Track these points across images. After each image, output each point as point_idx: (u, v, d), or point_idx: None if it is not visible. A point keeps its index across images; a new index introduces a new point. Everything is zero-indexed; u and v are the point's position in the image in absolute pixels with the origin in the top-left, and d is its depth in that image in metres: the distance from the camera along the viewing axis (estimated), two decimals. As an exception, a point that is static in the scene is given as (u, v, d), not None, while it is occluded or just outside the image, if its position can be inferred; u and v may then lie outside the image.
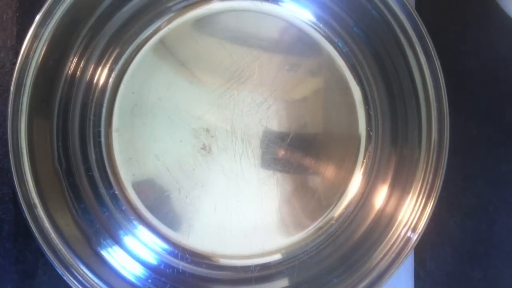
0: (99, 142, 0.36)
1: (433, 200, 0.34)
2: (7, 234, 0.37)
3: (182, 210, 0.36)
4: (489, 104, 0.40)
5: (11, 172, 0.32)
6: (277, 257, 0.37)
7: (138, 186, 0.36)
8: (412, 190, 0.35)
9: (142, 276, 0.36)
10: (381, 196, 0.37)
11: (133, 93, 0.36)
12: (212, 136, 0.36)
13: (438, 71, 0.33)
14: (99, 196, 0.36)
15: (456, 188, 0.39)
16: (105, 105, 0.36)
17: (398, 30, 0.34)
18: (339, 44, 0.37)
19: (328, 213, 0.37)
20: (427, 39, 0.33)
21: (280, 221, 0.37)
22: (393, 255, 0.34)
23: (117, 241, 0.36)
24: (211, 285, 0.37)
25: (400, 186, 0.36)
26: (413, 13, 0.33)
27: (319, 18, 0.37)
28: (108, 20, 0.35)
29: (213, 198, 0.36)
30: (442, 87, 0.33)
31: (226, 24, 0.37)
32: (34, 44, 0.32)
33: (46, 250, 0.32)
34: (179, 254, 0.37)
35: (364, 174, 0.37)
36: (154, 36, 0.36)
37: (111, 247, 0.36)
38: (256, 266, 0.37)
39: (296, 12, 0.37)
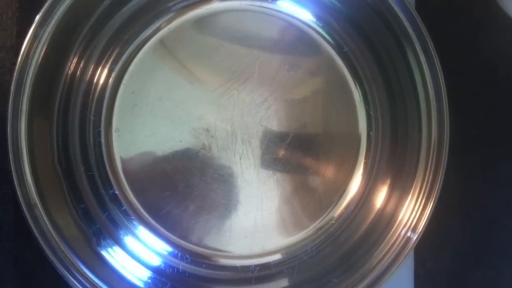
0: (99, 142, 0.36)
1: (433, 200, 0.34)
2: (7, 234, 0.37)
3: (182, 210, 0.36)
4: (489, 104, 0.40)
5: (11, 172, 0.32)
6: (277, 257, 0.37)
7: (138, 186, 0.36)
8: (412, 190, 0.35)
9: (142, 276, 0.36)
10: (381, 196, 0.37)
11: (133, 93, 0.36)
12: (212, 136, 0.36)
13: (438, 71, 0.33)
14: (99, 196, 0.36)
15: (456, 188, 0.39)
16: (105, 105, 0.36)
17: (398, 30, 0.34)
18: (339, 44, 0.37)
19: (328, 213, 0.37)
20: (427, 39, 0.33)
21: (280, 221, 0.37)
22: (393, 255, 0.34)
23: (117, 241, 0.36)
24: (211, 285, 0.37)
25: (400, 186, 0.36)
26: (413, 13, 0.33)
27: (319, 18, 0.37)
28: (108, 20, 0.35)
29: (213, 198, 0.36)
30: (442, 87, 0.33)
31: (226, 24, 0.37)
32: (34, 44, 0.32)
33: (46, 250, 0.32)
34: (179, 254, 0.37)
35: (364, 174, 0.37)
36: (154, 36, 0.36)
37: (111, 247, 0.36)
38: (256, 266, 0.37)
39: (296, 12, 0.37)
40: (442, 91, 0.33)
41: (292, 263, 0.37)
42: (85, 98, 0.36)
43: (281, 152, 0.37)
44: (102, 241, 0.35)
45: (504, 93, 0.40)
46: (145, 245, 0.37)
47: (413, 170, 0.35)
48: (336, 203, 0.37)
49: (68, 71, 0.35)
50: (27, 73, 0.32)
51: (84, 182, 0.36)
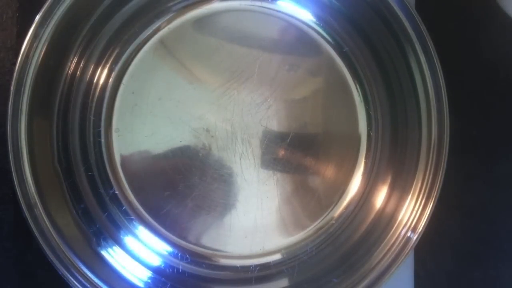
0: (99, 142, 0.36)
1: (433, 200, 0.34)
2: (7, 234, 0.37)
3: (182, 210, 0.36)
4: (489, 104, 0.40)
5: (11, 172, 0.32)
6: (277, 257, 0.37)
7: (138, 186, 0.36)
8: (412, 190, 0.35)
9: (142, 276, 0.36)
10: (381, 196, 0.37)
11: (133, 93, 0.36)
12: (212, 136, 0.36)
13: (438, 71, 0.33)
14: (99, 196, 0.36)
15: (456, 188, 0.39)
16: (105, 105, 0.36)
17: (398, 30, 0.34)
18: (339, 44, 0.37)
19: (328, 213, 0.37)
20: (427, 39, 0.33)
21: (280, 221, 0.37)
22: (393, 255, 0.34)
23: (117, 241, 0.36)
24: (211, 285, 0.37)
25: (400, 186, 0.36)
26: (413, 13, 0.33)
27: (319, 18, 0.37)
28: (108, 20, 0.35)
29: (213, 198, 0.36)
30: (442, 87, 0.33)
31: (226, 24, 0.37)
32: (34, 44, 0.32)
33: (46, 250, 0.32)
34: (179, 254, 0.37)
35: (364, 174, 0.37)
36: (154, 36, 0.36)
37: (111, 247, 0.36)
38: (256, 266, 0.37)
39: (296, 12, 0.37)
40: (442, 91, 0.33)
41: (292, 263, 0.37)
42: (85, 98, 0.36)
43: (281, 152, 0.37)
44: (102, 241, 0.35)
45: (504, 93, 0.40)
46: (145, 245, 0.37)
47: (413, 170, 0.35)
48: (336, 203, 0.37)
49: (68, 71, 0.35)
50: (27, 73, 0.32)
51: (84, 182, 0.36)
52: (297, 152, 0.37)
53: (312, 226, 0.37)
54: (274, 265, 0.37)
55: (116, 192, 0.36)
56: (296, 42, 0.37)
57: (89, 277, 0.33)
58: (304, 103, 0.37)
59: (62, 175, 0.35)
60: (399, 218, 0.35)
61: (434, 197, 0.34)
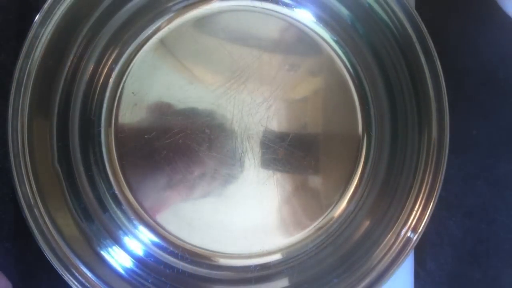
0: (99, 142, 0.36)
1: (433, 200, 0.34)
2: (7, 234, 0.37)
3: (182, 210, 0.36)
4: (489, 104, 0.40)
5: (11, 172, 0.32)
6: (277, 257, 0.37)
7: (138, 186, 0.36)
8: (412, 190, 0.35)
9: (141, 276, 0.36)
10: (381, 196, 0.37)
11: (133, 93, 0.36)
12: (212, 136, 0.36)
13: (438, 71, 0.33)
14: (99, 196, 0.36)
15: (456, 188, 0.39)
16: (105, 105, 0.36)
17: (398, 30, 0.34)
18: (339, 44, 0.37)
19: (328, 213, 0.37)
20: (427, 39, 0.33)
21: (280, 221, 0.37)
22: (393, 255, 0.34)
23: (117, 241, 0.36)
24: (211, 285, 0.37)
25: (400, 186, 0.36)
26: (413, 13, 0.33)
27: (319, 18, 0.37)
28: (108, 20, 0.35)
29: (213, 198, 0.36)
30: (442, 87, 0.33)
31: (226, 24, 0.37)
32: (34, 44, 0.32)
33: (46, 250, 0.32)
34: (179, 254, 0.37)
35: (364, 174, 0.37)
36: (154, 36, 0.36)
37: (111, 247, 0.36)
38: (256, 266, 0.37)
39: (296, 12, 0.37)
40: (442, 91, 0.33)
41: (292, 263, 0.37)
42: (85, 98, 0.36)
43: (281, 152, 0.37)
44: (102, 241, 0.35)
45: (504, 93, 0.40)
46: (145, 245, 0.37)
47: (413, 170, 0.35)
48: (336, 203, 0.37)
49: (68, 71, 0.35)
50: (27, 73, 0.32)
51: (84, 182, 0.36)
52: (297, 152, 0.37)
53: (312, 226, 0.37)
54: (274, 265, 0.37)
55: (116, 192, 0.36)
56: (296, 42, 0.37)
57: (89, 277, 0.33)
58: (304, 103, 0.37)
59: (62, 175, 0.35)
60: (399, 218, 0.35)
61: (434, 197, 0.34)
